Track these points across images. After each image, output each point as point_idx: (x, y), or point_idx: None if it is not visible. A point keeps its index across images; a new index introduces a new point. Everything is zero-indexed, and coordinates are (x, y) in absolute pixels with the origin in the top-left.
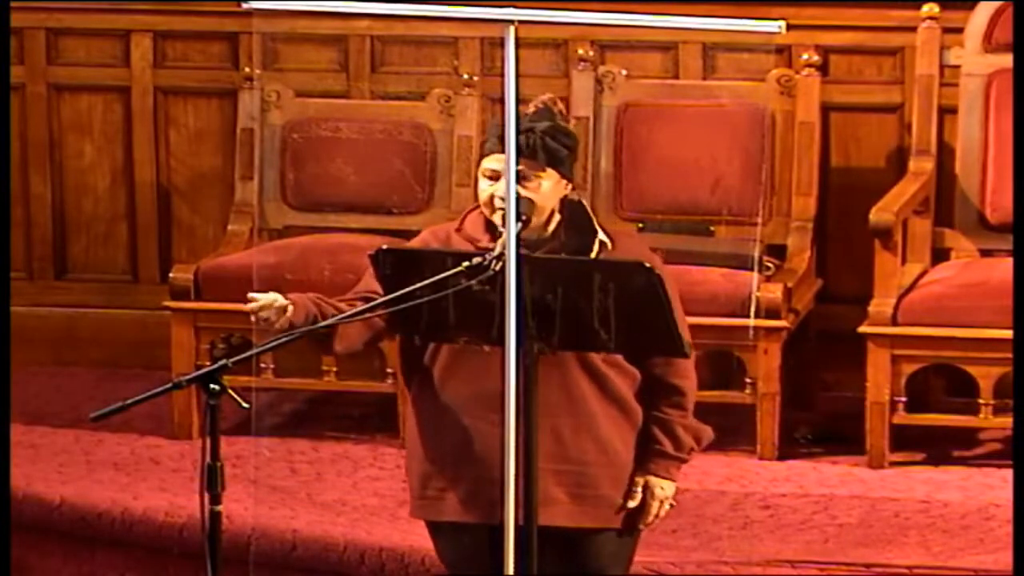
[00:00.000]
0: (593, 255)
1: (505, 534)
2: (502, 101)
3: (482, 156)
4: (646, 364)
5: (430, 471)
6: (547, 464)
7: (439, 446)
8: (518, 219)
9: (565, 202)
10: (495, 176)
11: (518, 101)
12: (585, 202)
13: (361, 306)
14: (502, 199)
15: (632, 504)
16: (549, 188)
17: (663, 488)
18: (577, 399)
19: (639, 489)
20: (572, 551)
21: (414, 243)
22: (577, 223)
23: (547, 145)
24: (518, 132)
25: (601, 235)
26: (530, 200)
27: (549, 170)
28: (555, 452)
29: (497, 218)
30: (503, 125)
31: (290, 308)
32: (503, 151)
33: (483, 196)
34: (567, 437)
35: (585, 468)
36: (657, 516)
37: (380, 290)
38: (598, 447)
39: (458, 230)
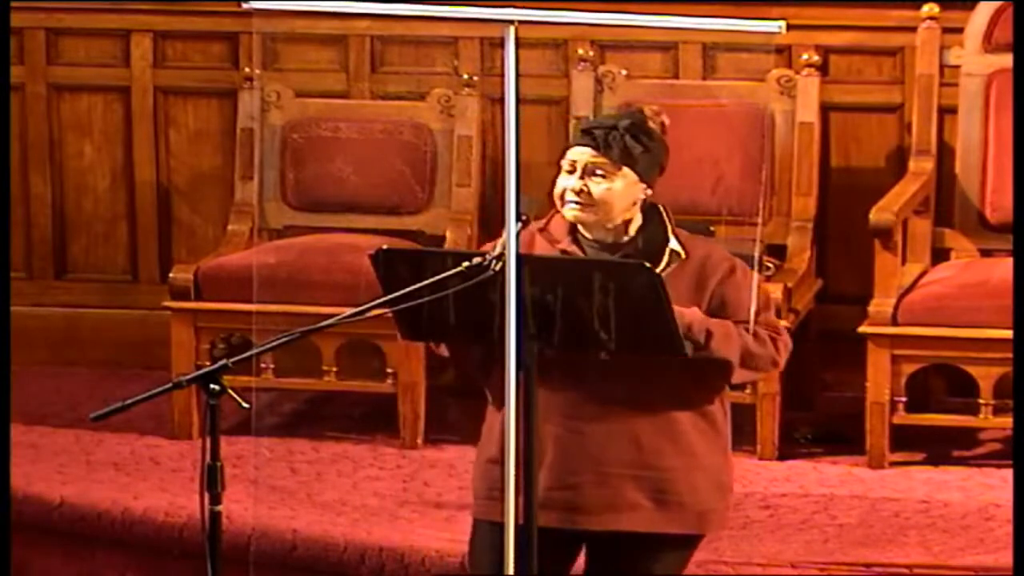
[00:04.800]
0: (662, 266)
1: (505, 533)
2: (502, 101)
3: (565, 149)
4: None
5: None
6: (627, 470)
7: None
8: (518, 219)
9: (644, 206)
10: (572, 169)
11: (518, 101)
12: (663, 208)
13: None
14: (574, 192)
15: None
16: (621, 187)
17: None
18: (653, 402)
19: None
20: (637, 557)
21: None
22: (652, 229)
23: (625, 143)
24: (599, 127)
25: (673, 244)
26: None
27: (625, 169)
28: (634, 458)
29: (568, 212)
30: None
31: None
32: (586, 144)
33: (557, 189)
34: (644, 442)
35: (664, 473)
36: None
37: None
38: (677, 450)
39: (541, 230)
